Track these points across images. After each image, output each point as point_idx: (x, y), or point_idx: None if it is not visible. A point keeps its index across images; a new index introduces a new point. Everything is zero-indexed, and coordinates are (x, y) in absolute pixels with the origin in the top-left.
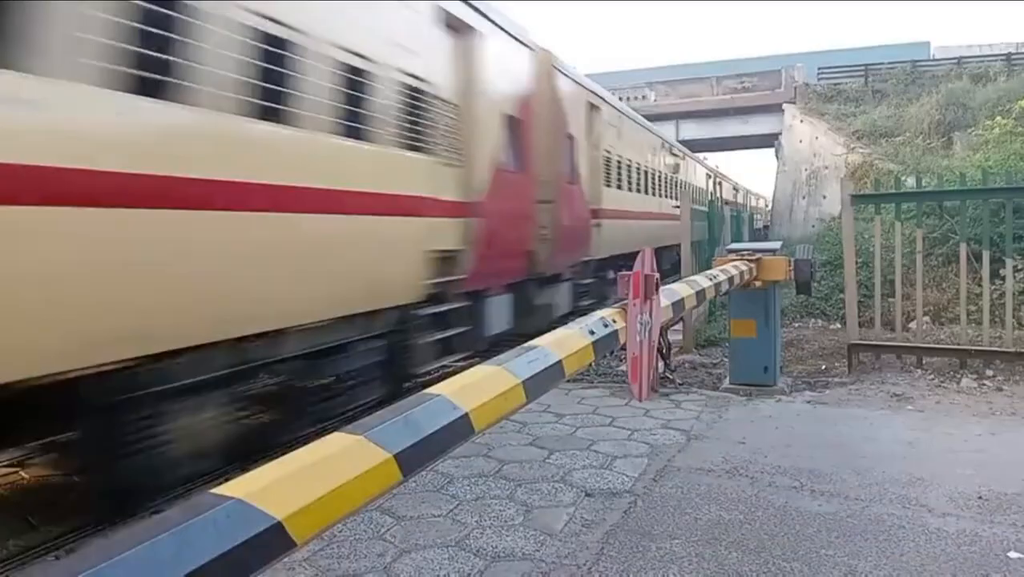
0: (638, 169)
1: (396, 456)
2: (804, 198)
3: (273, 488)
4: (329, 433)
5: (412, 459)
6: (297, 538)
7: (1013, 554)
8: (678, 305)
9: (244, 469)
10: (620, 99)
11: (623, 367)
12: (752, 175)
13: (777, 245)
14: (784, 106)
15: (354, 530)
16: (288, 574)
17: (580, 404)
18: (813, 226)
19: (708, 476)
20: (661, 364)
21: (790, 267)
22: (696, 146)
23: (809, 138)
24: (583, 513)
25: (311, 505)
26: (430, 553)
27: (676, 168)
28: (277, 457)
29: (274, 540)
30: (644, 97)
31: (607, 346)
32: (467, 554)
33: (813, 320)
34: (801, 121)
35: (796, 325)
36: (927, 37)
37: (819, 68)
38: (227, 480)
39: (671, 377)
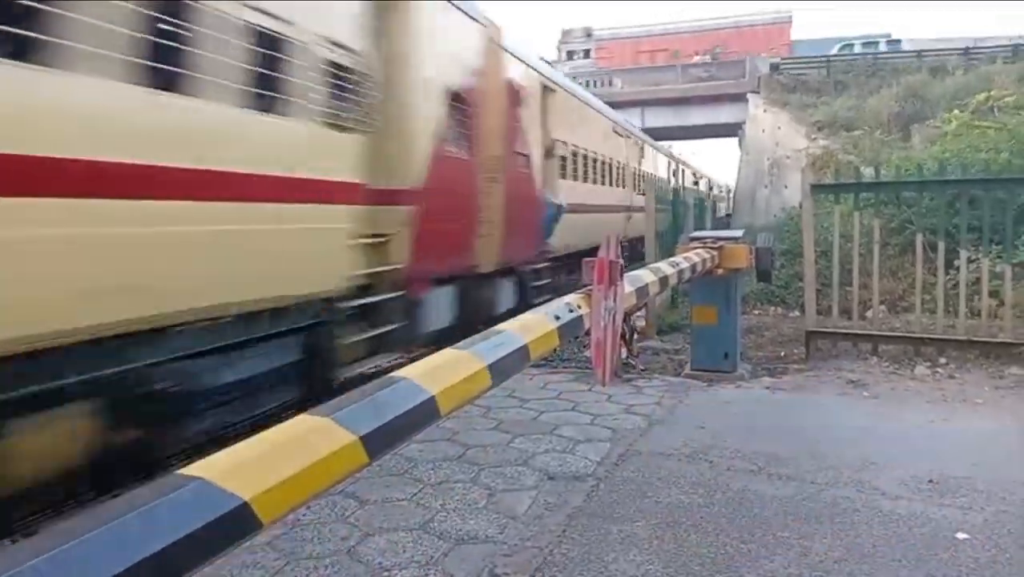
0: (599, 159)
1: (362, 438)
2: (766, 187)
3: (239, 469)
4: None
5: (379, 441)
6: (263, 518)
7: (961, 535)
8: (642, 291)
9: (208, 452)
10: (586, 84)
11: (587, 353)
12: (717, 164)
13: (739, 233)
14: (748, 95)
15: (318, 513)
16: (252, 557)
17: (544, 389)
18: (775, 215)
19: (669, 460)
20: (624, 350)
21: (751, 255)
22: (662, 134)
23: (772, 128)
24: (546, 496)
25: (277, 486)
26: (394, 536)
27: (641, 158)
28: (243, 439)
29: (240, 520)
30: (611, 84)
31: (572, 331)
32: (431, 537)
33: (773, 308)
34: (764, 111)
35: (756, 312)
36: (891, 31)
37: (782, 58)
38: (192, 461)
39: (634, 363)
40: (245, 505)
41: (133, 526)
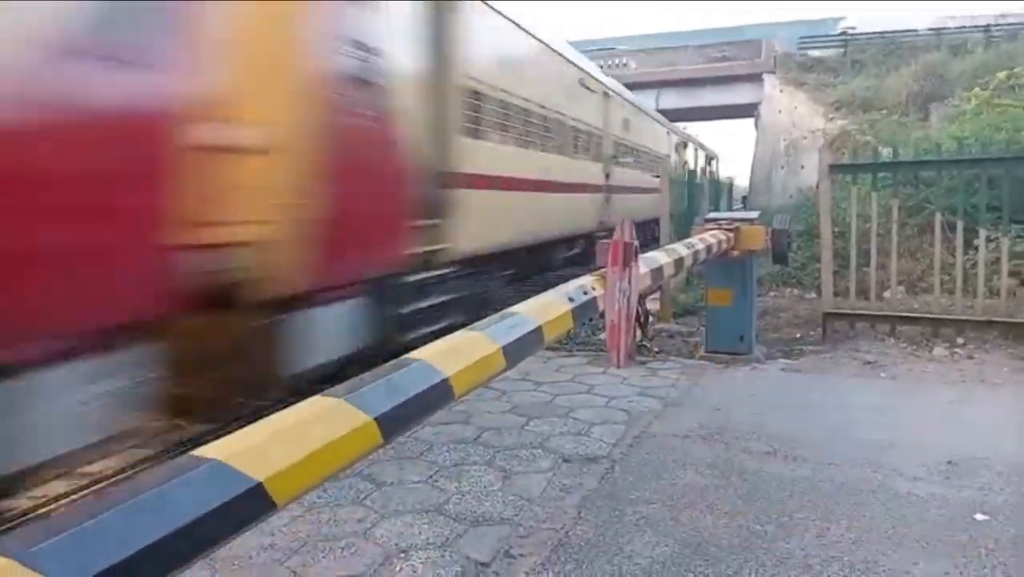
0: (547, 117)
1: (377, 419)
2: (783, 168)
3: (253, 450)
4: None
5: (393, 422)
6: (277, 500)
7: (979, 516)
8: (657, 273)
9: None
10: (600, 66)
11: (602, 335)
12: (732, 145)
13: (755, 215)
14: (764, 76)
15: (334, 496)
16: (269, 539)
17: (559, 372)
18: (791, 196)
19: (684, 442)
20: (639, 332)
21: (767, 237)
22: (676, 115)
23: (788, 108)
24: (561, 479)
25: (292, 467)
26: (409, 518)
27: (627, 125)
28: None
29: (254, 502)
30: (624, 65)
31: (586, 313)
32: (447, 519)
33: (789, 289)
34: (780, 91)
35: (772, 294)
36: (907, 10)
37: (800, 38)
38: (206, 442)
39: (648, 345)
40: (259, 486)
41: (148, 506)
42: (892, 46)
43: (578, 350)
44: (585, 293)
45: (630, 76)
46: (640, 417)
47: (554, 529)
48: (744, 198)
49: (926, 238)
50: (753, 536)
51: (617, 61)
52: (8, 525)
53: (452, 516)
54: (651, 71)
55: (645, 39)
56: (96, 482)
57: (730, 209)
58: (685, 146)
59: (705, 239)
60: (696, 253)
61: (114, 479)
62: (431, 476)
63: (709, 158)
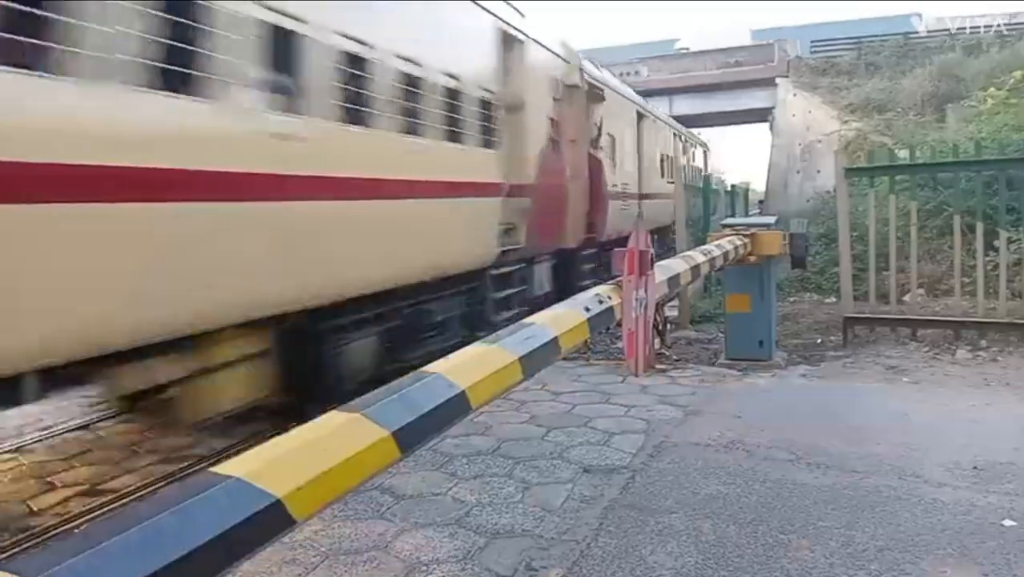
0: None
1: (394, 433)
2: (798, 172)
3: (272, 466)
4: None
5: (410, 436)
6: (297, 515)
7: (1008, 522)
8: (673, 281)
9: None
10: (614, 75)
11: (620, 344)
12: (746, 151)
13: (772, 220)
14: (777, 80)
15: (355, 509)
16: (291, 553)
17: (577, 382)
18: (808, 200)
19: (705, 451)
20: (657, 340)
21: (785, 241)
22: (690, 121)
23: (803, 112)
24: (581, 489)
25: (310, 482)
26: (430, 531)
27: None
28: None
29: (274, 517)
30: (637, 73)
31: (602, 323)
32: (467, 532)
33: (808, 294)
34: (794, 95)
35: (791, 300)
36: (918, 9)
37: (812, 42)
38: (225, 459)
39: (667, 353)
40: (278, 502)
41: (168, 525)
42: (906, 48)
43: (596, 359)
44: (601, 302)
45: (643, 83)
46: (660, 426)
47: (575, 541)
48: (760, 203)
49: (946, 240)
50: (777, 545)
51: (629, 69)
52: (30, 544)
53: (473, 528)
54: (664, 78)
55: (659, 46)
56: (118, 498)
57: (746, 214)
58: (643, 119)
59: (722, 245)
60: (713, 260)
61: (136, 495)
62: (451, 488)
63: (686, 142)
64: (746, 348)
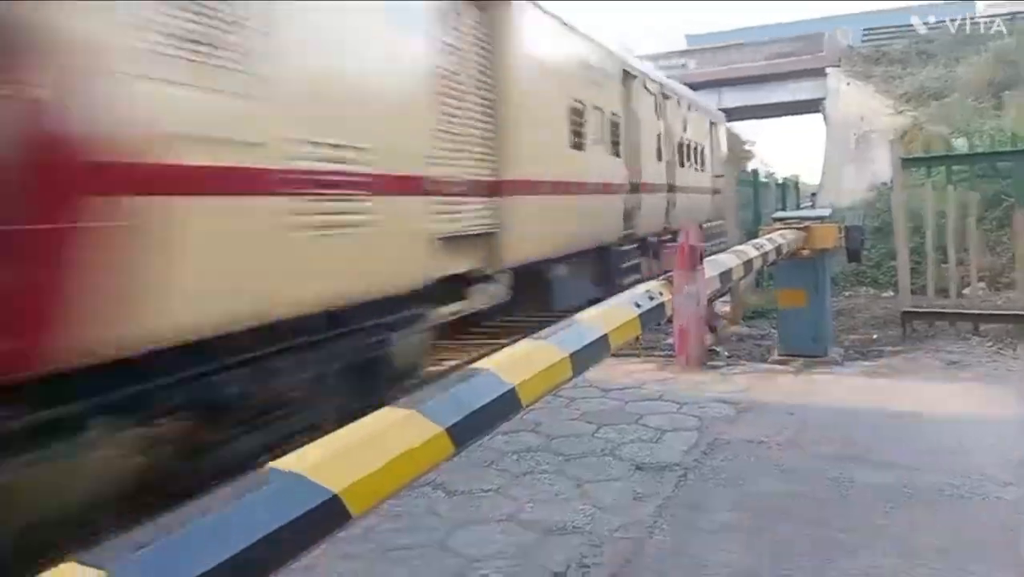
0: None
1: (448, 429)
2: (852, 163)
3: (329, 462)
4: None
5: (463, 433)
6: (354, 510)
7: None
8: (725, 276)
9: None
10: (658, 68)
11: (670, 340)
12: (797, 144)
13: (827, 212)
14: (828, 70)
15: (407, 505)
16: (346, 547)
17: (627, 378)
18: (864, 192)
19: (759, 448)
20: (708, 336)
21: (840, 235)
22: (739, 114)
23: (856, 102)
24: (634, 486)
25: (366, 478)
26: (483, 528)
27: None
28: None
29: (331, 513)
30: (684, 65)
31: (653, 319)
32: (519, 528)
33: (864, 288)
34: (847, 85)
35: (847, 294)
36: None
37: (864, 30)
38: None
39: (719, 349)
40: (336, 497)
41: (231, 518)
42: (961, 34)
43: (646, 355)
44: (651, 298)
45: (689, 76)
46: (713, 423)
47: (629, 539)
48: (813, 195)
49: (1005, 231)
50: (835, 546)
51: (676, 62)
52: (98, 537)
53: (525, 525)
54: (711, 71)
55: (705, 38)
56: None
57: (797, 207)
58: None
59: (774, 239)
60: (765, 254)
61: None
62: (502, 485)
63: (687, 107)
64: (800, 344)
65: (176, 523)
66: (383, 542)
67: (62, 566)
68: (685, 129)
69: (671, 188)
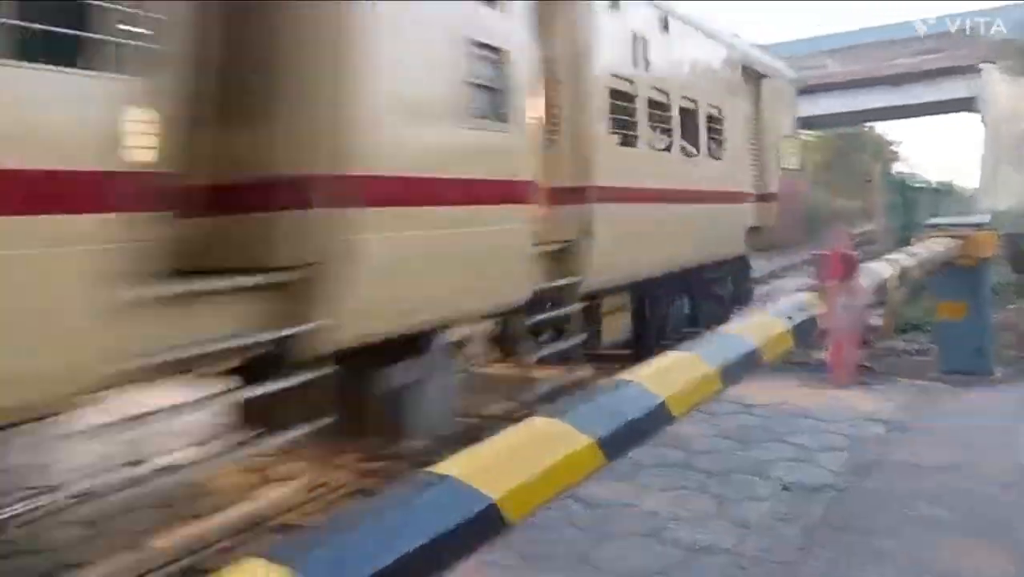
0: None
1: (599, 441)
2: (1011, 164)
3: (486, 469)
4: None
5: (614, 444)
6: (510, 518)
7: None
8: (880, 287)
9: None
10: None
11: (817, 354)
12: (941, 147)
13: (986, 219)
14: (981, 66)
15: (545, 516)
16: (488, 555)
17: (768, 393)
18: None
19: (916, 471)
20: (861, 351)
21: (1000, 242)
22: (883, 115)
23: (1013, 99)
24: (781, 507)
25: (521, 486)
26: (625, 542)
27: None
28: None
29: (490, 520)
30: (824, 66)
31: (806, 332)
32: (663, 545)
33: None
34: (1004, 81)
35: (1011, 307)
36: None
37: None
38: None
39: (871, 365)
40: (494, 505)
41: (395, 520)
42: None
43: (793, 370)
44: (803, 311)
45: (829, 77)
46: (865, 443)
47: (776, 561)
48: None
49: None
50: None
51: (815, 63)
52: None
53: (669, 542)
54: (853, 70)
55: (843, 37)
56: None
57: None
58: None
59: (929, 248)
60: (921, 264)
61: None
62: (643, 500)
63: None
64: (960, 360)
65: (344, 521)
66: (522, 550)
67: (250, 562)
68: None
69: None
